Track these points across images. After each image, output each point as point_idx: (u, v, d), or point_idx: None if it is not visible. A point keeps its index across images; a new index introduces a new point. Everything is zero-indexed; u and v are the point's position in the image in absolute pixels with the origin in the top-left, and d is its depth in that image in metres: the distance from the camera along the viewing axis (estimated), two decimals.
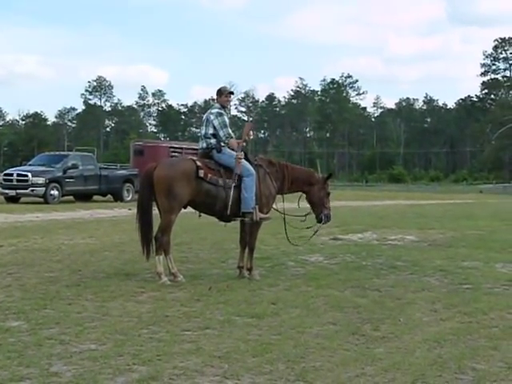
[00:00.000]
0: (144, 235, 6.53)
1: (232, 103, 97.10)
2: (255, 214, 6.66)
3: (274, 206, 7.06)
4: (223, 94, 6.94)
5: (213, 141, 6.73)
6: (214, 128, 6.73)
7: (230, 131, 6.76)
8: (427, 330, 4.63)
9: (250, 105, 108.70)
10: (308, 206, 7.33)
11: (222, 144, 6.72)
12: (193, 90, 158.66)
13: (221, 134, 6.70)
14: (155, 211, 6.61)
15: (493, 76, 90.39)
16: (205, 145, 6.79)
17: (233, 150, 6.72)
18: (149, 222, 6.55)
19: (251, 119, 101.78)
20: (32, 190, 20.46)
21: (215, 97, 7.06)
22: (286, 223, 7.15)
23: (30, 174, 20.68)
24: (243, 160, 6.69)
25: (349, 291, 6.07)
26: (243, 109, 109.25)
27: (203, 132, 6.83)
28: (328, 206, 7.24)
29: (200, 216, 6.91)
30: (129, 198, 23.27)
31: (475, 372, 3.71)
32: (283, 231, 7.25)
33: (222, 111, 6.84)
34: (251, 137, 7.11)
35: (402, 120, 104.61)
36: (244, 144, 6.84)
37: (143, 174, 6.84)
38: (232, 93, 7.18)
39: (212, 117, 6.79)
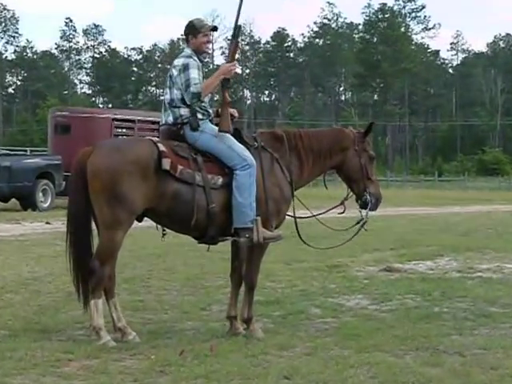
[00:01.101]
0: (79, 266, 6.56)
1: (216, 46, 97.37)
2: (256, 230, 6.69)
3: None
4: (199, 31, 6.95)
5: (184, 111, 6.77)
6: None
7: (198, 88, 6.65)
8: None
9: (247, 48, 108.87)
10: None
11: (200, 116, 6.73)
12: (150, 25, 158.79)
13: (186, 99, 6.71)
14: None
15: None
16: (171, 118, 6.80)
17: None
18: (86, 243, 6.60)
19: (242, 68, 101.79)
20: None
21: (186, 37, 7.06)
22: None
23: None
24: (235, 141, 6.71)
25: (412, 356, 6.10)
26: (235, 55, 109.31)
27: (168, 97, 6.84)
28: (374, 178, 7.35)
29: (164, 235, 6.95)
30: (46, 205, 23.29)
31: None
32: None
33: (191, 60, 6.78)
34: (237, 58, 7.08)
35: (498, 71, 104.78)
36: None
37: (73, 165, 6.81)
38: (215, 29, 7.21)
39: (175, 72, 6.81)
